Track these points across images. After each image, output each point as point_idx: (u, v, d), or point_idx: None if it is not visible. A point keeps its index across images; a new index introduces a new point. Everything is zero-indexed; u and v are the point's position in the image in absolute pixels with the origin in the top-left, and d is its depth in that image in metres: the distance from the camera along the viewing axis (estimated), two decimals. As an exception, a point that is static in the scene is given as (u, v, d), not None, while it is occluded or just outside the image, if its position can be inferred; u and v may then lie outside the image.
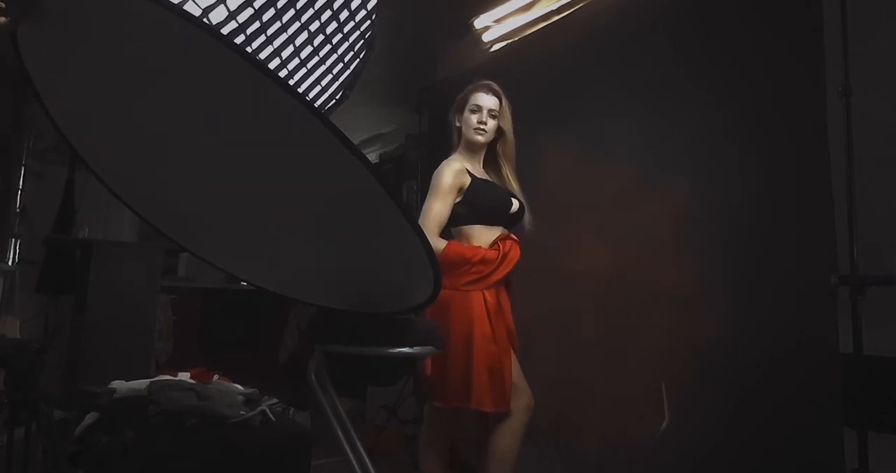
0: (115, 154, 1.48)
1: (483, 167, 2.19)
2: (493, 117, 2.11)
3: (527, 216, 2.17)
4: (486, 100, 2.10)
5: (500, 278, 2.00)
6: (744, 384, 2.02)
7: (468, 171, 2.07)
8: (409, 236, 1.31)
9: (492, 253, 2.00)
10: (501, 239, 2.04)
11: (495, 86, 2.15)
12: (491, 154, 2.20)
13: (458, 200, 2.04)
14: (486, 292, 1.98)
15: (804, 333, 1.91)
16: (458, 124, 2.17)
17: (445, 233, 2.10)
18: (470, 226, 2.07)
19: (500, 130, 2.15)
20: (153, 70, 1.16)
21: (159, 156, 1.41)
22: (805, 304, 1.92)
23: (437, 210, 2.02)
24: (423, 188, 3.64)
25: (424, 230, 1.99)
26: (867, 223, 1.74)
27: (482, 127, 2.10)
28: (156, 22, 1.05)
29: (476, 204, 2.05)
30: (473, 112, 2.10)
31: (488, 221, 2.07)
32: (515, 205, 2.12)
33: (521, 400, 1.99)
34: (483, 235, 2.05)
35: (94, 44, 1.16)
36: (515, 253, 2.03)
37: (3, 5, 1.04)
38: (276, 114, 1.16)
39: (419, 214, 2.06)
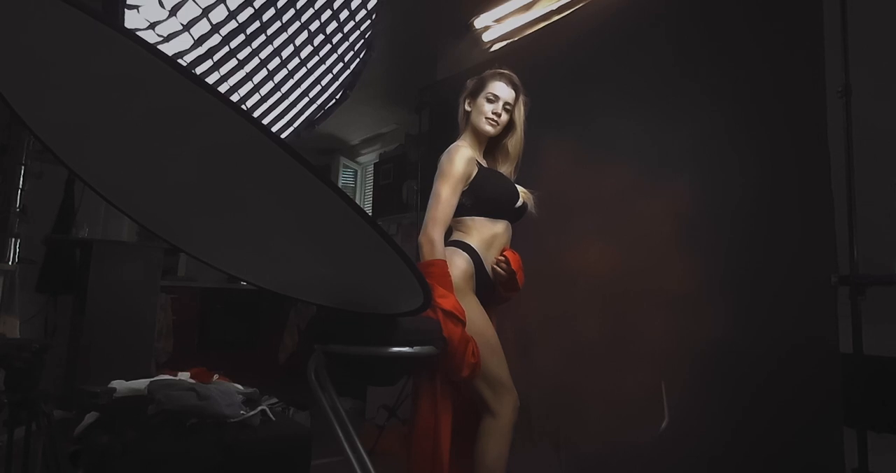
0: (105, 163, 1.45)
1: (484, 156, 2.10)
2: (508, 111, 2.02)
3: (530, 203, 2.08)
4: (505, 92, 2.01)
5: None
6: (744, 384, 2.01)
7: (476, 161, 1.99)
8: (391, 255, 1.26)
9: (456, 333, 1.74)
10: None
11: (515, 78, 2.04)
12: (493, 145, 2.10)
13: (463, 189, 1.93)
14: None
15: (804, 333, 1.90)
16: (467, 108, 2.06)
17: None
18: (472, 217, 1.97)
19: (511, 124, 2.05)
20: (123, 94, 1.13)
21: (146, 163, 1.38)
22: (805, 304, 1.92)
23: (448, 199, 1.90)
24: (424, 188, 3.64)
25: (434, 220, 1.88)
26: (867, 223, 1.74)
27: (495, 118, 2.00)
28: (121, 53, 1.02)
29: (483, 196, 1.95)
30: (489, 101, 2.00)
31: (492, 214, 1.98)
32: (521, 199, 2.03)
33: (509, 401, 1.88)
34: (484, 228, 1.96)
35: (66, 69, 1.13)
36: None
37: None
38: (244, 141, 1.12)
39: (419, 213, 2.02)
